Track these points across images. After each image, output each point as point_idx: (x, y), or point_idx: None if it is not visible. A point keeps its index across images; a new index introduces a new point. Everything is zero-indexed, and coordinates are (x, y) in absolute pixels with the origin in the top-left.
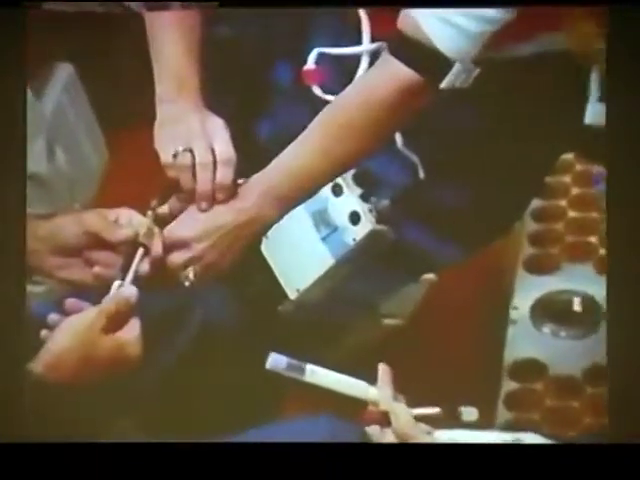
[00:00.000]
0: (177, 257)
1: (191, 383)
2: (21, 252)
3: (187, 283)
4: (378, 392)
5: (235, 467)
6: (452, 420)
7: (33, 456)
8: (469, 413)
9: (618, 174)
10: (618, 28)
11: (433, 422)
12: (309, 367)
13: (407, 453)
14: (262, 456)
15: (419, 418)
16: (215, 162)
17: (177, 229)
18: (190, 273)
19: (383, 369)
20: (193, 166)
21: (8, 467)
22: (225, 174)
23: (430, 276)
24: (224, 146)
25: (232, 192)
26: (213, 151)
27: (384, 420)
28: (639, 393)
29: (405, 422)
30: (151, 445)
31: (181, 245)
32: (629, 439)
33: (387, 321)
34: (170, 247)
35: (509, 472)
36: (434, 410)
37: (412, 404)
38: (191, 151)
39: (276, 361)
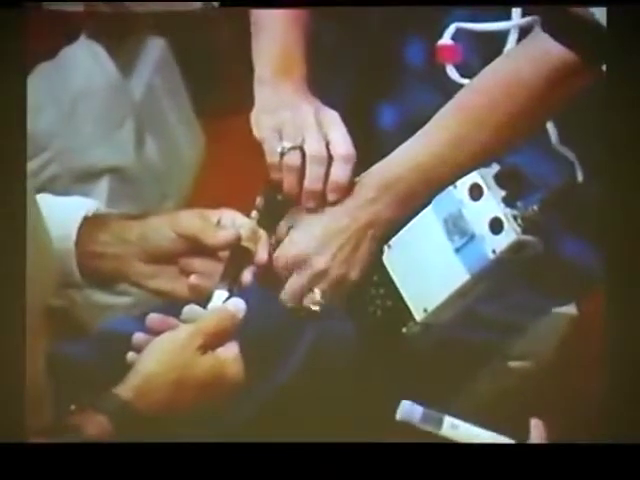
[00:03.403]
0: (298, 279)
1: (296, 414)
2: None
3: (316, 307)
4: None
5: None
6: None
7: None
8: None
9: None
10: (618, 28)
11: None
12: (448, 419)
13: (408, 453)
14: (266, 456)
15: None
16: (330, 157)
17: (290, 245)
18: (317, 295)
19: (536, 425)
20: (303, 164)
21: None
22: (342, 172)
23: (572, 309)
24: (342, 140)
25: (347, 192)
26: (328, 145)
27: None
28: (639, 393)
29: None
30: (157, 445)
31: (299, 263)
32: (629, 439)
33: (518, 363)
34: (285, 267)
35: (508, 472)
36: None
37: None
38: (301, 148)
39: (409, 411)
